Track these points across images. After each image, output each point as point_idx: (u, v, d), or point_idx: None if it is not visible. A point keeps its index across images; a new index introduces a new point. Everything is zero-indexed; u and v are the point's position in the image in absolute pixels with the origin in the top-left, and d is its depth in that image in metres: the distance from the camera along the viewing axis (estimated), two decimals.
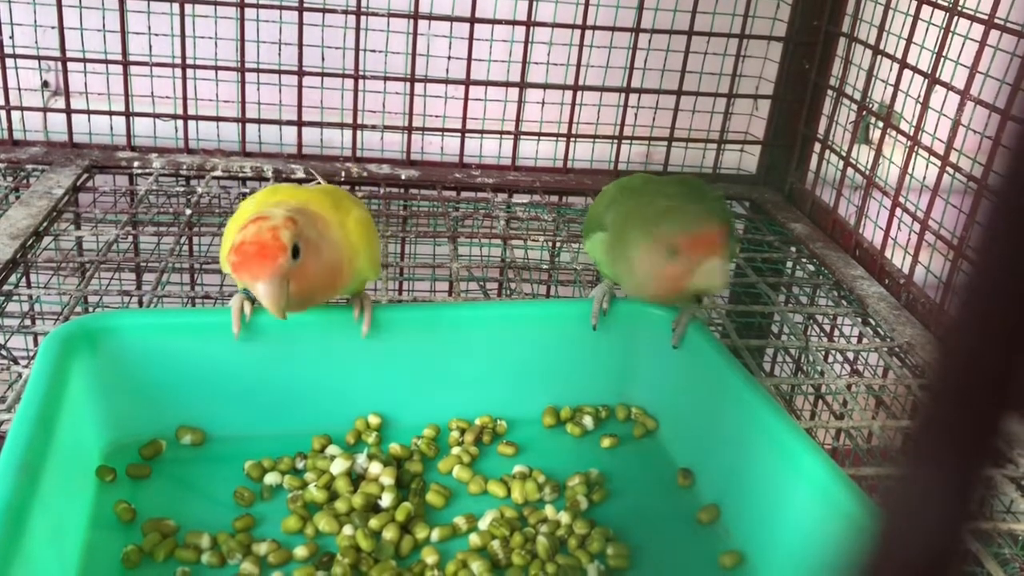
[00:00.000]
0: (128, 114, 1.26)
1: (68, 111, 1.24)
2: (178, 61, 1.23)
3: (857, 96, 1.23)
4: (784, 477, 0.67)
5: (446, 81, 1.30)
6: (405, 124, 1.31)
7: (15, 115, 1.25)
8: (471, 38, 1.27)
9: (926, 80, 1.08)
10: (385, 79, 1.29)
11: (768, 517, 0.68)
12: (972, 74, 1.00)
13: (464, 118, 1.31)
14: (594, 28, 1.28)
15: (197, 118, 1.27)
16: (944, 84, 1.05)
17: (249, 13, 1.22)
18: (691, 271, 0.71)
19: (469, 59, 1.28)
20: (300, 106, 1.27)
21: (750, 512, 0.71)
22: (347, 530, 0.67)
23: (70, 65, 1.22)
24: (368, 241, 0.74)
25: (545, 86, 1.32)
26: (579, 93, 1.32)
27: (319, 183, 0.89)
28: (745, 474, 0.72)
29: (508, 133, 1.34)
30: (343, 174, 1.27)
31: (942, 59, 1.06)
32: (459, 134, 1.33)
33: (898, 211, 1.12)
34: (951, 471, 0.19)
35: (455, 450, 0.78)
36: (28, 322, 1.15)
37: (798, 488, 0.66)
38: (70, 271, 1.15)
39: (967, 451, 0.19)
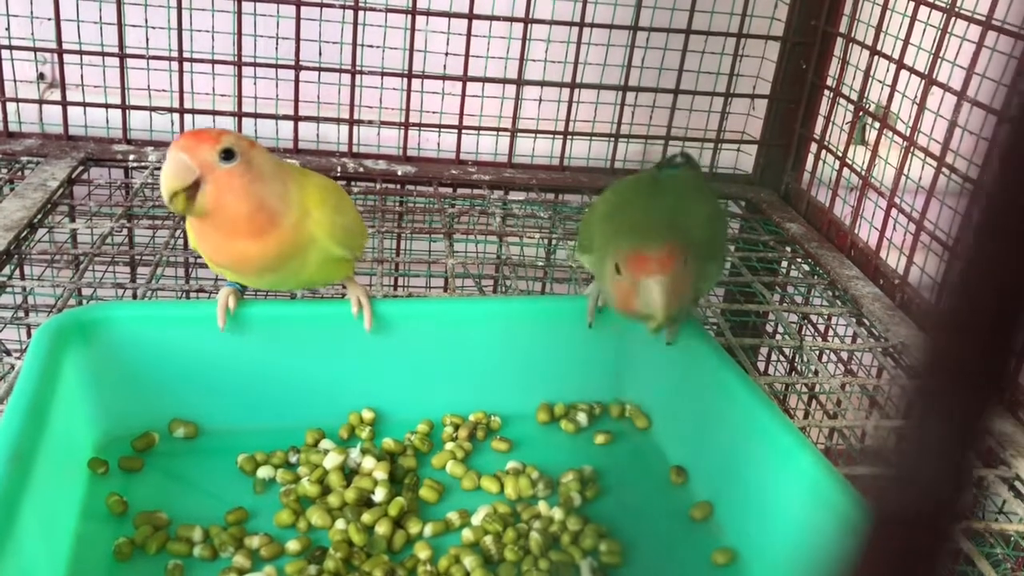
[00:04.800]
0: (124, 107, 1.25)
1: (64, 103, 1.24)
2: (175, 54, 1.23)
3: (854, 96, 1.24)
4: (777, 475, 0.67)
5: (443, 77, 1.30)
6: (402, 120, 1.31)
7: (11, 107, 1.24)
8: (469, 34, 1.27)
9: (923, 81, 1.08)
10: (382, 75, 1.28)
11: (761, 515, 0.68)
12: (969, 75, 1.00)
13: (461, 114, 1.31)
14: (592, 26, 1.28)
15: (193, 112, 1.27)
16: (941, 85, 1.05)
17: (246, 7, 1.22)
18: (635, 290, 0.68)
19: (467, 55, 1.28)
20: (297, 101, 1.27)
21: (743, 510, 0.71)
22: (340, 524, 0.67)
23: (66, 57, 1.22)
24: (324, 204, 0.70)
25: (542, 83, 1.32)
26: (576, 91, 1.32)
27: None
28: (738, 472, 0.72)
29: (505, 130, 1.34)
30: (339, 169, 1.27)
31: (939, 60, 1.06)
32: (456, 130, 1.33)
33: (893, 211, 1.12)
34: (953, 412, 0.19)
35: (449, 445, 0.78)
36: (21, 314, 1.14)
37: (791, 486, 0.66)
38: (64, 263, 1.14)
39: (969, 392, 0.19)
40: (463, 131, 1.33)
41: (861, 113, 1.23)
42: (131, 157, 1.23)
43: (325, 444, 0.76)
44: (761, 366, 1.29)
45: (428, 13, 1.25)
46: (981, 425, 0.19)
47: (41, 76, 1.27)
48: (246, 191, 0.65)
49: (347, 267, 0.76)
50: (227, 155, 0.63)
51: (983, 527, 0.73)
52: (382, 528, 0.67)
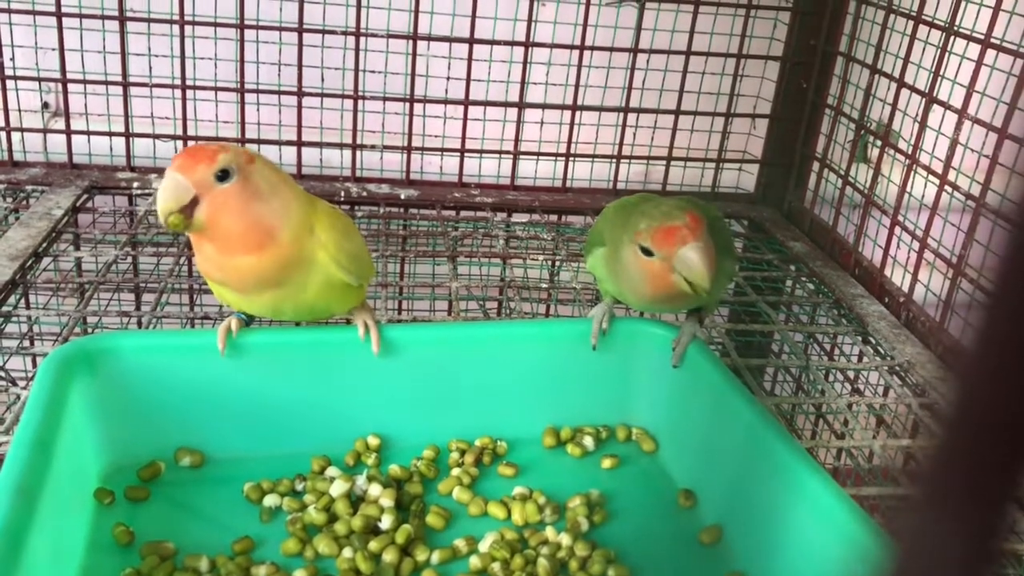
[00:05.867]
0: (128, 135, 1.26)
1: (68, 132, 1.25)
2: (178, 82, 1.23)
3: (855, 115, 1.24)
4: (786, 497, 0.67)
5: (445, 101, 1.30)
6: (404, 144, 1.31)
7: (15, 136, 1.25)
8: (470, 58, 1.27)
9: (924, 99, 1.08)
10: (384, 99, 1.29)
11: (770, 538, 0.68)
12: (969, 93, 1.00)
13: (463, 138, 1.32)
14: (592, 48, 1.29)
15: (197, 139, 1.27)
16: (942, 103, 1.05)
17: (249, 34, 1.23)
18: (670, 265, 0.69)
19: (468, 79, 1.28)
20: (300, 126, 1.28)
21: (752, 533, 0.70)
22: (347, 552, 0.67)
23: (70, 86, 1.23)
24: (331, 228, 0.70)
25: (544, 106, 1.33)
26: (578, 113, 1.33)
27: None
28: (747, 494, 0.71)
29: (507, 153, 1.35)
30: (343, 194, 1.28)
31: (939, 78, 1.06)
32: (458, 154, 1.33)
33: (897, 229, 1.12)
34: (969, 517, 0.19)
35: (455, 471, 0.78)
36: (27, 343, 1.14)
37: (800, 508, 0.66)
38: (69, 292, 1.14)
39: (984, 506, 0.19)
40: (465, 154, 1.33)
41: (862, 131, 1.23)
42: (135, 184, 1.24)
43: (331, 471, 0.76)
44: (767, 386, 1.29)
45: (429, 38, 1.26)
46: (997, 530, 0.19)
47: (45, 105, 1.28)
48: (242, 210, 0.65)
49: (354, 297, 0.76)
50: (223, 175, 0.64)
51: None
52: (389, 556, 0.67)
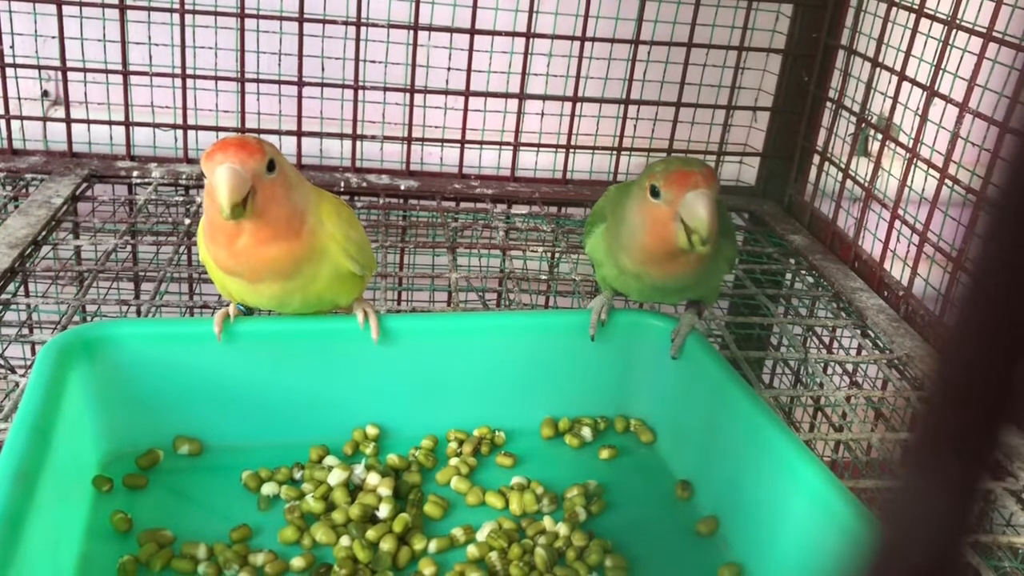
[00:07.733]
0: (128, 124, 1.26)
1: (68, 120, 1.24)
2: (178, 71, 1.23)
3: (856, 108, 1.24)
4: (783, 489, 0.67)
5: (446, 92, 1.30)
6: (404, 135, 1.31)
7: (15, 124, 1.25)
8: (471, 49, 1.27)
9: (925, 92, 1.08)
10: (385, 90, 1.29)
11: (767, 529, 0.68)
12: (971, 86, 1.00)
13: (463, 129, 1.31)
14: (593, 40, 1.29)
15: (197, 128, 1.27)
16: (943, 97, 1.05)
17: (249, 24, 1.23)
18: (675, 211, 0.68)
19: (469, 70, 1.28)
20: (300, 116, 1.27)
21: (749, 524, 0.70)
22: (344, 541, 0.67)
23: (70, 75, 1.23)
24: (338, 216, 0.72)
25: (544, 97, 1.33)
26: (578, 104, 1.32)
27: None
28: (744, 486, 0.71)
29: (507, 144, 1.34)
30: (342, 184, 1.28)
31: (941, 71, 1.06)
32: (458, 145, 1.33)
33: (897, 223, 1.12)
34: (950, 481, 0.19)
35: (453, 461, 0.78)
36: (26, 331, 1.14)
37: (797, 500, 0.66)
38: (68, 280, 1.14)
39: (966, 461, 0.19)
40: (466, 145, 1.33)
41: (863, 125, 1.23)
42: (135, 173, 1.24)
43: (329, 460, 0.76)
44: (766, 379, 1.29)
45: (430, 28, 1.26)
46: (975, 494, 0.19)
47: (45, 93, 1.28)
48: (284, 199, 0.68)
49: (356, 289, 0.76)
50: (271, 166, 0.67)
51: (991, 540, 0.73)
52: (387, 544, 0.67)
